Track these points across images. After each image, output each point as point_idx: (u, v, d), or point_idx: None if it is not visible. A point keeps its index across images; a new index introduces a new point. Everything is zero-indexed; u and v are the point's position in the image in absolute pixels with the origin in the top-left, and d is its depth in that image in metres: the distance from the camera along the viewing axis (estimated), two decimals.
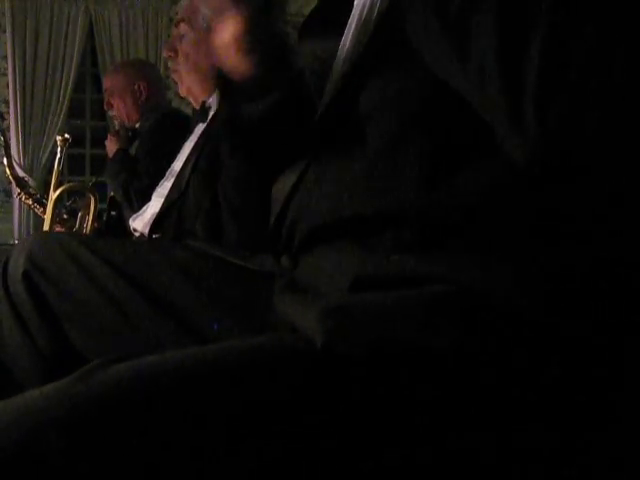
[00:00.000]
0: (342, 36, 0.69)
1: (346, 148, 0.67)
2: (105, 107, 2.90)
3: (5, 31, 4.75)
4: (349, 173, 0.66)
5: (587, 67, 0.49)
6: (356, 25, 0.68)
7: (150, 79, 2.84)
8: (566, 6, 0.50)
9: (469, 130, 0.58)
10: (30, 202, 2.57)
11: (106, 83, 2.89)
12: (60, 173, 2.28)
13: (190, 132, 1.98)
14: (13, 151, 4.72)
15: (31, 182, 4.69)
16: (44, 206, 2.50)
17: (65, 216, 2.40)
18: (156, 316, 0.80)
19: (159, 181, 2.32)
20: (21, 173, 4.68)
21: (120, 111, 2.81)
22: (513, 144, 0.54)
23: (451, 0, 0.54)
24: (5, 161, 2.53)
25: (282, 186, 0.75)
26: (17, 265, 0.85)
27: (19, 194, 2.59)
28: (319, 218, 0.67)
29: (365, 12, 0.67)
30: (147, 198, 2.44)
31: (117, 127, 2.88)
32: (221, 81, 0.78)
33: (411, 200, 0.61)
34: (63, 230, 2.37)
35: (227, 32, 0.75)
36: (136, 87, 2.78)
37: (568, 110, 0.50)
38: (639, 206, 0.57)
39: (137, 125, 2.79)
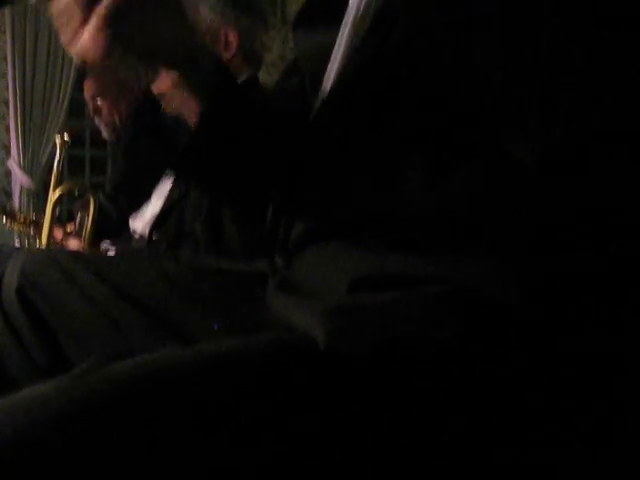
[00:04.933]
0: (338, 29, 0.69)
1: (343, 148, 0.67)
2: (92, 113, 2.87)
3: (5, 32, 4.76)
4: (346, 174, 0.65)
5: (590, 72, 0.50)
6: (353, 19, 0.68)
7: None
8: (568, 14, 0.50)
9: (469, 132, 0.58)
10: (21, 228, 2.57)
11: (87, 90, 2.86)
12: (60, 174, 2.27)
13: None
14: (13, 152, 4.72)
15: (31, 184, 4.69)
16: (33, 225, 2.51)
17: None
18: (151, 329, 0.80)
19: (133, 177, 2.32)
20: (21, 174, 4.69)
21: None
22: (518, 147, 0.55)
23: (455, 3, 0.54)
24: None
25: (278, 186, 0.75)
26: (11, 281, 0.85)
27: (10, 224, 2.58)
28: (316, 219, 0.67)
29: (362, 6, 0.67)
30: (122, 192, 2.45)
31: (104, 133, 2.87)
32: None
33: (409, 203, 0.61)
34: (62, 231, 2.37)
35: (161, 87, 0.72)
36: None
37: (572, 114, 0.51)
38: (632, 209, 0.57)
39: None
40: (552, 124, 0.51)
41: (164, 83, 0.70)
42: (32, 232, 2.54)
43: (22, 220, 2.55)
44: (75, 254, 0.89)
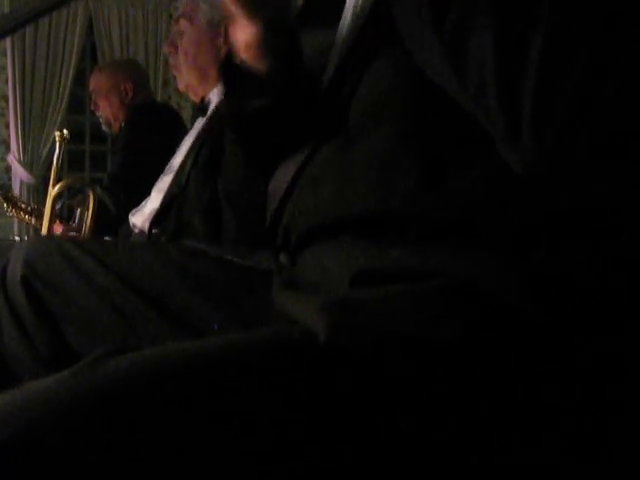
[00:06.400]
0: (336, 28, 0.69)
1: (343, 146, 0.67)
2: (92, 108, 2.91)
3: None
4: (347, 173, 0.66)
5: (582, 86, 0.50)
6: (351, 16, 0.68)
7: (135, 79, 2.85)
8: (561, 27, 0.50)
9: (467, 131, 0.58)
10: (22, 215, 2.57)
11: (92, 84, 2.90)
12: (59, 169, 2.27)
13: (182, 126, 1.98)
14: (13, 147, 4.72)
15: (31, 179, 4.69)
16: (35, 216, 2.51)
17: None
18: (154, 317, 0.81)
19: (135, 172, 2.32)
20: (20, 169, 4.68)
21: (106, 112, 2.82)
22: (511, 158, 0.55)
23: (447, 16, 0.54)
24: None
25: (278, 184, 0.75)
26: (15, 269, 0.85)
27: (10, 210, 2.58)
28: (317, 217, 0.68)
29: (359, 4, 0.67)
30: (120, 186, 2.46)
31: (103, 127, 2.90)
32: (226, 74, 0.77)
33: (410, 200, 0.61)
34: (62, 226, 2.37)
35: (239, 38, 0.74)
36: (122, 88, 2.78)
37: (563, 128, 0.51)
38: (630, 209, 0.58)
39: (123, 124, 2.80)
40: (545, 133, 0.51)
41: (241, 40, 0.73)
42: (33, 221, 2.54)
43: (23, 207, 2.55)
44: (79, 242, 0.89)
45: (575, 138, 0.51)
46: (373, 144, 0.64)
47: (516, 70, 0.51)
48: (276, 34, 0.73)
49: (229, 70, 0.77)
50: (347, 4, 0.68)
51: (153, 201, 1.93)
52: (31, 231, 4.02)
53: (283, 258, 0.74)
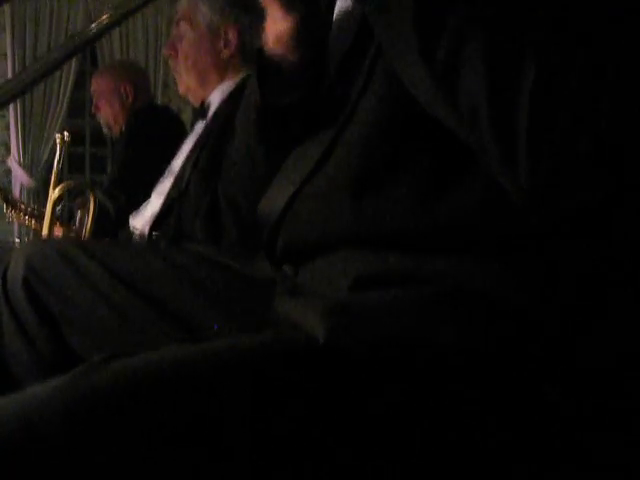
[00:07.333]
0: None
1: (341, 162, 0.67)
2: (93, 110, 2.91)
3: (5, 29, 4.75)
4: (347, 188, 0.66)
5: (576, 114, 0.50)
6: (339, 27, 0.68)
7: (136, 82, 2.85)
8: (551, 54, 0.50)
9: (462, 149, 0.58)
10: (21, 217, 2.58)
11: (93, 86, 2.91)
12: (60, 172, 2.27)
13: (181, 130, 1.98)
14: (13, 150, 4.73)
15: (31, 182, 4.69)
16: (36, 217, 2.51)
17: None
18: (155, 319, 0.81)
19: (136, 175, 2.33)
20: (21, 172, 4.69)
21: (107, 114, 2.83)
22: (507, 186, 0.55)
23: (438, 46, 0.53)
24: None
25: (276, 198, 0.75)
26: (16, 271, 0.86)
27: (10, 211, 2.59)
28: (318, 232, 0.68)
29: (347, 21, 0.68)
30: (120, 189, 2.47)
31: (104, 130, 2.91)
32: (259, 66, 0.78)
33: (408, 215, 0.61)
34: (63, 229, 2.37)
35: (272, 30, 0.76)
36: (122, 90, 2.79)
37: (559, 158, 0.51)
38: (624, 215, 0.58)
39: (124, 127, 2.80)
40: (541, 162, 0.51)
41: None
42: (33, 224, 2.54)
43: (23, 208, 2.56)
44: (80, 244, 0.89)
45: (571, 165, 0.52)
46: (372, 160, 0.64)
47: (509, 101, 0.51)
48: (309, 29, 0.74)
49: (263, 62, 0.77)
50: (335, 16, 0.69)
51: (153, 204, 1.94)
52: (31, 235, 4.02)
53: (286, 268, 0.75)
